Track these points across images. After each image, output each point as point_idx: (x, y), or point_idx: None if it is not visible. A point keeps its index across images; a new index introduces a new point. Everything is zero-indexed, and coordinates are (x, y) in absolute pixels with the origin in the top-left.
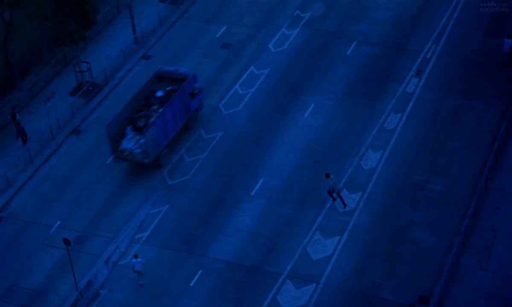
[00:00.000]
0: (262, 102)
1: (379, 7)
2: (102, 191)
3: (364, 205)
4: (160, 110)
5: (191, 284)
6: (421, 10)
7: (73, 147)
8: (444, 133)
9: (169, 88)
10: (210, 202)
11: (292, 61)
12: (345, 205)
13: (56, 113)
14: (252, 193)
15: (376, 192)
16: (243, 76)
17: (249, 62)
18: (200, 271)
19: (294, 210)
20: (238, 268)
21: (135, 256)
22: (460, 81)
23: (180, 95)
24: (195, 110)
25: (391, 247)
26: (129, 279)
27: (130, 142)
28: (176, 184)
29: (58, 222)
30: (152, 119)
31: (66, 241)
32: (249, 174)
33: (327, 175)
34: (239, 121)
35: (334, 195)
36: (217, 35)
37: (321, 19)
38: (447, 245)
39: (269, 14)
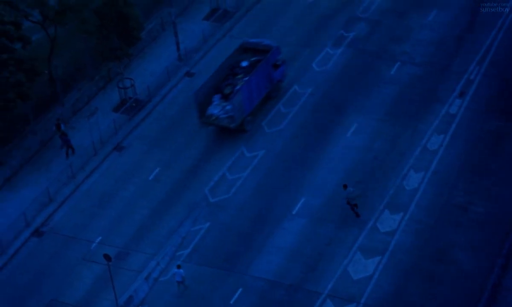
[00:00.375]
0: (304, 121)
1: (423, 27)
2: (144, 207)
3: (405, 225)
4: (246, 78)
5: (231, 302)
6: (466, 31)
7: (116, 163)
8: (486, 155)
9: (253, 59)
10: (252, 220)
11: (335, 81)
12: (358, 215)
13: (99, 129)
14: (294, 212)
15: (418, 213)
16: (286, 94)
17: (292, 81)
18: (240, 289)
19: (335, 230)
20: (279, 286)
21: (178, 267)
22: (503, 103)
23: (264, 65)
24: (278, 81)
25: (432, 268)
26: (170, 296)
27: (216, 108)
28: (218, 201)
29: (99, 238)
30: (238, 87)
31: (107, 257)
32: (290, 193)
33: (345, 187)
34: (282, 140)
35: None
36: None
37: (365, 38)
38: (489, 266)
39: (313, 33)
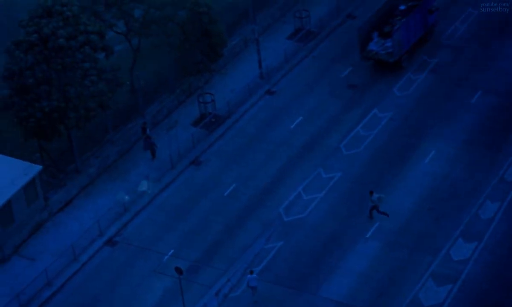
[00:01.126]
0: (383, 145)
1: (507, 57)
2: (218, 222)
3: (478, 255)
4: (403, 20)
5: None
6: None
7: (192, 177)
8: None
9: (410, 3)
10: (325, 241)
11: (416, 106)
12: (387, 215)
13: (178, 142)
14: (367, 235)
15: (492, 243)
16: (366, 117)
17: (373, 104)
18: None
19: (408, 255)
20: None
21: (251, 272)
22: None
23: (421, 9)
24: (431, 25)
25: (503, 300)
26: None
27: (376, 45)
28: (292, 221)
29: (172, 251)
30: (396, 27)
31: (178, 270)
32: (365, 216)
33: (371, 193)
34: (359, 163)
35: (374, 212)
36: (342, 75)
37: (447, 65)
38: None
39: None
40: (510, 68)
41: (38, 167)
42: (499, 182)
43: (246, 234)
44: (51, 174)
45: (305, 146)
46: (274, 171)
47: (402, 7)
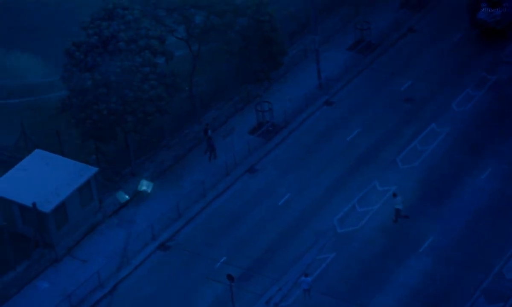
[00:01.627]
0: (439, 160)
1: None
2: (271, 231)
3: None
4: None
5: None
6: None
7: (247, 185)
8: None
9: None
10: (377, 254)
11: (474, 123)
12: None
13: (234, 150)
14: (420, 250)
15: None
16: (423, 132)
17: (431, 119)
18: None
19: (461, 271)
20: None
21: (306, 275)
22: None
23: None
24: None
25: None
26: None
27: (484, 14)
28: (345, 232)
29: (224, 258)
30: None
31: (230, 277)
32: (419, 231)
33: (394, 195)
34: (415, 177)
35: (400, 213)
36: (402, 89)
37: (507, 83)
38: None
39: (456, 73)
40: None
41: (94, 169)
42: None
43: (299, 244)
44: (106, 176)
45: (361, 158)
46: (329, 182)
47: None
